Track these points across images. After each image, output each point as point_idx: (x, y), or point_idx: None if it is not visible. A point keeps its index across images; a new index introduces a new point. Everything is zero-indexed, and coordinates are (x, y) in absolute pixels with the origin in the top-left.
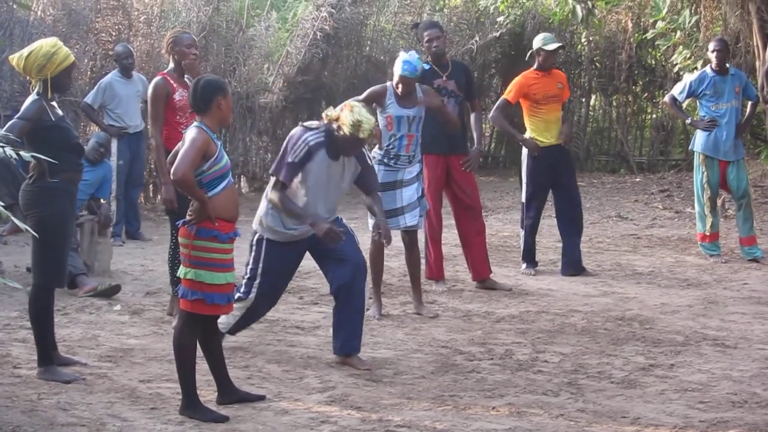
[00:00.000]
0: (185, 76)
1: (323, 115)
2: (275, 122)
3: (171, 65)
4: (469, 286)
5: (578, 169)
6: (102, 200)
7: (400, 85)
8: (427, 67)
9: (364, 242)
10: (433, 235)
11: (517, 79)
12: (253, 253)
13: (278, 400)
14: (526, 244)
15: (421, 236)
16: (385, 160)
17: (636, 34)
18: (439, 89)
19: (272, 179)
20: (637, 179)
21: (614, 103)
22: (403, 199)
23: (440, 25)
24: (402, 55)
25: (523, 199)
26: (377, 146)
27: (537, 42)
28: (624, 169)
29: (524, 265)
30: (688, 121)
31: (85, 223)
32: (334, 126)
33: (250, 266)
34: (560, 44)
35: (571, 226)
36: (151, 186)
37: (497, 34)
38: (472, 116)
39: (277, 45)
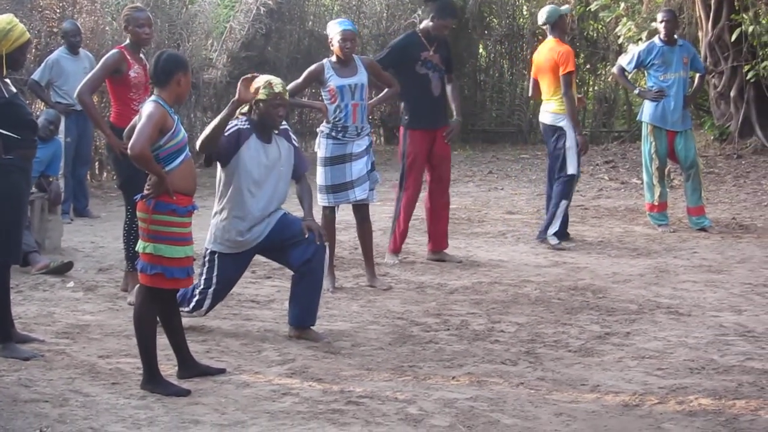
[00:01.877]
0: (141, 52)
1: (237, 114)
2: (219, 98)
3: (127, 41)
4: (421, 258)
5: (522, 142)
6: (52, 177)
7: (345, 44)
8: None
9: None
10: (408, 209)
11: (568, 50)
12: (206, 266)
13: (238, 373)
14: (567, 218)
15: (376, 209)
16: (333, 134)
17: (578, 7)
18: (425, 62)
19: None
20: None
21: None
22: (352, 172)
23: (458, 14)
24: (332, 21)
25: (572, 171)
26: (324, 121)
27: (555, 11)
28: None
29: (556, 241)
30: (636, 91)
31: (36, 201)
32: (252, 108)
33: (204, 277)
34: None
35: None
36: (97, 163)
37: None
38: (449, 88)
39: (221, 21)
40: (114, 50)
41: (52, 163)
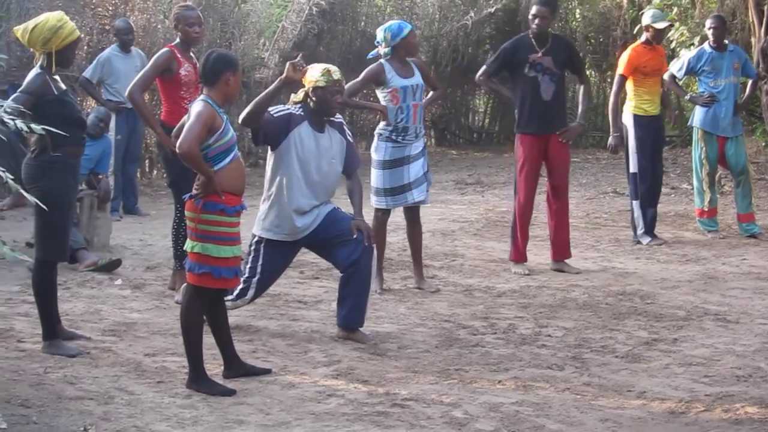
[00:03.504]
0: (191, 50)
1: (291, 101)
2: None
3: (177, 39)
4: (469, 261)
5: (573, 146)
6: (101, 175)
7: (410, 43)
8: None
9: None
10: (522, 216)
11: (628, 54)
12: (251, 254)
13: (284, 373)
14: (648, 216)
15: (425, 210)
16: (393, 136)
17: (630, 11)
18: (533, 65)
19: None
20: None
21: (608, 80)
22: (410, 174)
23: (554, 3)
24: (381, 27)
25: (633, 170)
26: (383, 122)
27: (646, 19)
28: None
29: (648, 239)
30: (687, 97)
31: (85, 198)
32: (309, 94)
33: (249, 265)
34: (669, 23)
35: (651, 196)
36: (147, 161)
37: (492, 10)
38: (581, 90)
39: (273, 20)
40: (164, 49)
41: (102, 161)
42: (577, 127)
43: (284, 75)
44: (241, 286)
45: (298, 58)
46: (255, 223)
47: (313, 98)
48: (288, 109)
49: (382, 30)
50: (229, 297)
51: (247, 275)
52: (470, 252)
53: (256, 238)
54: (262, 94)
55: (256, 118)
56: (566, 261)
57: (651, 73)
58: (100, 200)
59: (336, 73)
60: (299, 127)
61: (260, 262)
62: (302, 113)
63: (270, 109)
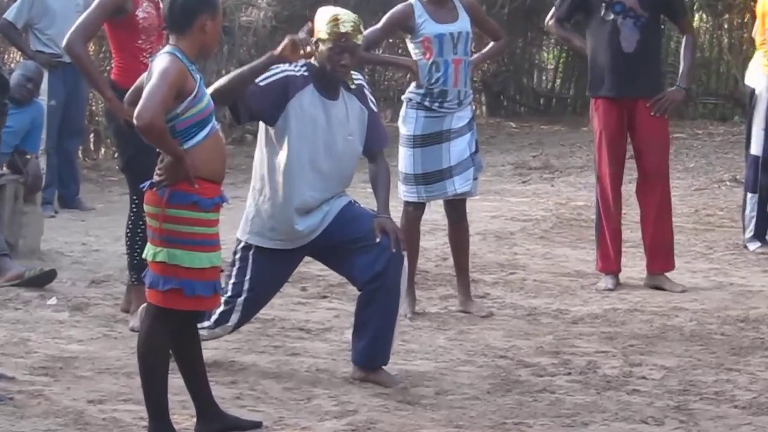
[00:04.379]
0: None
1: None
2: (261, 49)
3: None
4: (533, 275)
5: (676, 116)
6: (29, 155)
7: None
8: None
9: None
10: (607, 210)
11: None
12: (236, 266)
13: (280, 428)
14: (764, 215)
15: (475, 205)
16: (426, 103)
17: None
18: (610, 4)
19: None
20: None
21: (725, 26)
22: (451, 156)
23: None
24: None
25: (756, 151)
26: (413, 84)
27: None
28: (740, 116)
29: (756, 244)
30: None
31: (7, 186)
32: (315, 49)
33: (232, 281)
34: None
35: None
36: (92, 136)
37: None
38: (683, 41)
39: None
40: None
41: (30, 135)
42: (675, 93)
43: (277, 51)
44: (221, 309)
45: (303, 31)
46: (241, 223)
47: (316, 54)
48: (283, 69)
49: None
50: (206, 323)
51: (229, 294)
52: (535, 262)
53: (242, 245)
54: (244, 68)
55: (230, 97)
56: (667, 275)
57: None
58: (28, 189)
59: (346, 23)
60: (301, 93)
61: (248, 277)
62: (306, 73)
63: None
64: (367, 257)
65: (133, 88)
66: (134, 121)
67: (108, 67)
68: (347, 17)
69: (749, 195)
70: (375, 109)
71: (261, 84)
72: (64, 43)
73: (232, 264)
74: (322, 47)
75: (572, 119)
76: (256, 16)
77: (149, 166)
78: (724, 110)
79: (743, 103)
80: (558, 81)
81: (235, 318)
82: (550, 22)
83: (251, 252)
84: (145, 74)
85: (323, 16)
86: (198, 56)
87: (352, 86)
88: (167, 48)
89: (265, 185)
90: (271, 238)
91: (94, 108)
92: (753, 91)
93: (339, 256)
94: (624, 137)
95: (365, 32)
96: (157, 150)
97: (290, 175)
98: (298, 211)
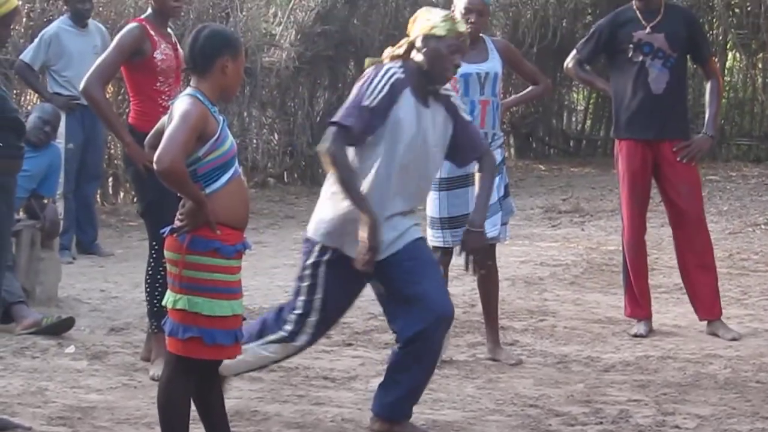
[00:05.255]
0: (168, 26)
1: (387, 55)
2: (284, 90)
3: (149, 11)
4: (563, 321)
5: (709, 158)
6: (46, 199)
7: (469, 16)
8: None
9: None
10: (633, 253)
11: None
12: (306, 282)
13: None
14: None
15: (504, 250)
16: None
17: None
18: (638, 45)
19: (329, 130)
20: None
21: (760, 65)
22: None
23: None
24: None
25: None
26: None
27: None
28: None
29: None
30: None
31: (24, 231)
32: (417, 46)
33: (302, 298)
34: None
35: None
36: (110, 180)
37: None
38: (708, 86)
39: None
40: (132, 24)
41: (48, 179)
42: (703, 141)
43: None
44: (290, 327)
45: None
46: (312, 224)
47: (423, 51)
48: (390, 75)
49: None
50: (270, 336)
51: (300, 311)
52: (566, 308)
53: (314, 254)
54: (346, 178)
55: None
56: (723, 320)
57: None
58: (46, 234)
59: (461, 24)
60: (401, 97)
61: (319, 294)
62: (403, 75)
63: (365, 90)
64: (411, 313)
65: (153, 131)
66: (154, 166)
67: (126, 110)
68: (459, 18)
69: None
70: (467, 118)
71: (371, 104)
72: (81, 86)
73: (300, 279)
74: (435, 44)
75: (603, 161)
76: (278, 57)
77: (169, 211)
78: (758, 151)
79: None
80: (588, 122)
81: (303, 339)
82: (570, 65)
83: (324, 261)
84: (165, 117)
85: (436, 14)
86: (219, 98)
87: (444, 92)
88: (188, 90)
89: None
90: (346, 243)
91: (112, 151)
92: None
93: (388, 293)
94: (649, 180)
95: None
96: (178, 194)
97: (380, 180)
98: (385, 220)
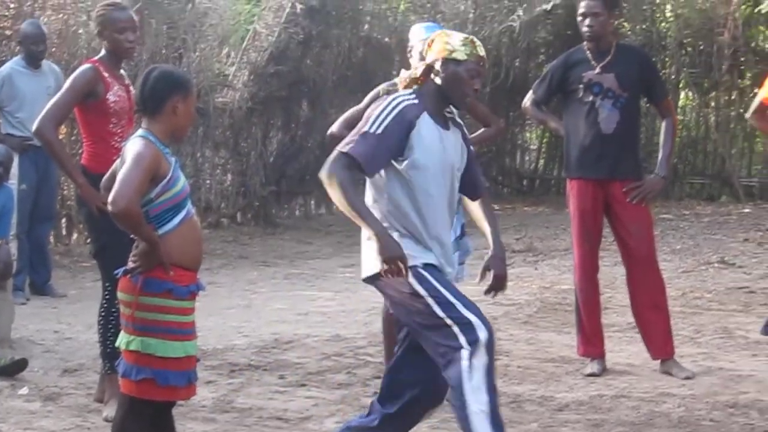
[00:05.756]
0: (122, 68)
1: (401, 79)
2: (237, 130)
3: (103, 51)
4: (517, 361)
5: (662, 196)
6: (0, 240)
7: None
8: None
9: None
10: (584, 293)
11: None
12: (423, 289)
13: None
14: None
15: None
16: None
17: (744, 7)
18: (589, 85)
19: (335, 154)
20: (747, 210)
21: (713, 104)
22: None
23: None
24: (418, 25)
25: None
26: None
27: None
28: (727, 196)
29: None
30: None
31: None
32: (436, 69)
33: (439, 309)
34: None
35: None
36: (63, 221)
37: (548, 7)
38: (662, 126)
39: (240, 22)
40: (86, 66)
41: (1, 220)
42: (655, 182)
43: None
44: (463, 338)
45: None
46: (363, 268)
47: (443, 76)
48: (398, 101)
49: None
50: (464, 343)
51: (453, 316)
52: (519, 348)
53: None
54: (353, 203)
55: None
56: (676, 359)
57: None
58: None
59: (481, 47)
60: (419, 120)
61: (441, 288)
62: (416, 100)
63: (371, 116)
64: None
65: (109, 173)
66: (109, 208)
67: (79, 151)
68: (478, 41)
69: None
70: (472, 148)
71: (376, 132)
72: (34, 127)
73: (413, 294)
74: (455, 68)
75: (556, 200)
76: (231, 98)
77: (123, 252)
78: (711, 190)
79: (730, 182)
80: (541, 161)
81: (483, 334)
82: (527, 104)
83: (417, 274)
84: (118, 160)
85: (455, 37)
86: (171, 139)
87: (457, 120)
88: (140, 132)
89: (400, 219)
90: (427, 254)
91: (65, 192)
92: None
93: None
94: (600, 219)
95: (345, 115)
96: (131, 236)
97: (424, 206)
98: (435, 239)
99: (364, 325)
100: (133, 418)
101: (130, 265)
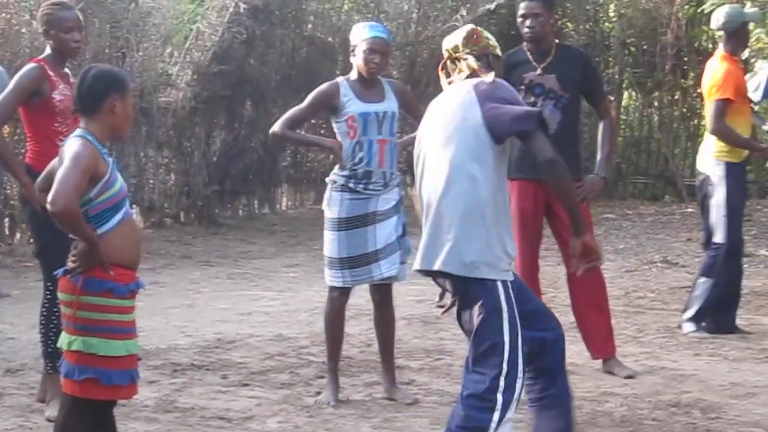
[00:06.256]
0: (67, 66)
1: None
2: (180, 130)
3: (48, 50)
4: (460, 360)
5: (605, 196)
6: None
7: (373, 57)
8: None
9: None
10: None
11: (726, 69)
12: (489, 322)
13: None
14: (714, 300)
15: (400, 289)
16: (351, 185)
17: (687, 7)
18: (531, 86)
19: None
20: (690, 209)
21: (656, 103)
22: (377, 239)
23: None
24: (360, 24)
25: (721, 240)
26: (337, 166)
27: (737, 15)
28: (670, 196)
29: (692, 328)
30: (766, 128)
31: None
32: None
33: (506, 356)
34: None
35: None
36: (7, 221)
37: (491, 6)
38: (600, 126)
39: (184, 22)
40: (31, 65)
41: None
42: (594, 182)
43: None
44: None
45: None
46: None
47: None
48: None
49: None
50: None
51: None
52: (462, 347)
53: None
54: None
55: None
56: (618, 358)
57: (744, 97)
58: None
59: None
60: None
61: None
62: None
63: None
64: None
65: (44, 174)
66: (48, 208)
67: (23, 151)
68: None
69: (702, 278)
70: None
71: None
72: None
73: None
74: (497, 63)
75: None
76: (175, 97)
77: (64, 253)
78: (654, 189)
79: (674, 182)
80: None
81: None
82: None
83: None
84: (55, 159)
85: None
86: (110, 138)
87: None
88: (78, 132)
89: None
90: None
91: (8, 191)
92: (707, 177)
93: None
94: (540, 219)
95: (288, 112)
96: (71, 236)
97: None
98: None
99: (307, 324)
100: (76, 418)
101: (70, 265)
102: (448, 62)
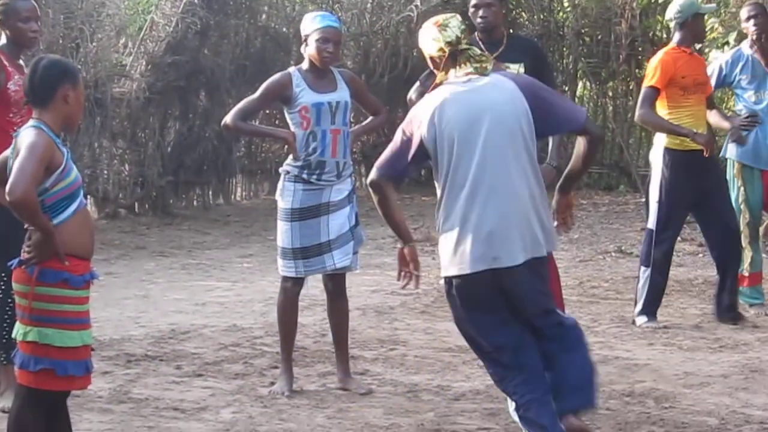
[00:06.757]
0: (22, 57)
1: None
2: (135, 121)
3: (3, 40)
4: (414, 351)
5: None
6: None
7: (326, 46)
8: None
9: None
10: None
11: (660, 58)
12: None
13: None
14: (654, 288)
15: (354, 280)
16: (304, 175)
17: None
18: None
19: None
20: (644, 199)
21: (610, 93)
22: (330, 230)
23: None
24: (311, 14)
25: (651, 225)
26: (291, 156)
27: (688, 7)
28: (624, 186)
29: (644, 319)
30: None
31: None
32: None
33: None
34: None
35: (729, 259)
36: None
37: None
38: None
39: (138, 13)
40: None
41: None
42: (546, 171)
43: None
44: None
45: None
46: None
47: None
48: None
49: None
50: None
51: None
52: (416, 338)
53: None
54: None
55: None
56: None
57: (693, 88)
58: None
59: (453, 27)
60: None
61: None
62: None
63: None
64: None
65: None
66: (6, 197)
67: None
68: (453, 20)
69: (642, 268)
70: None
71: None
72: None
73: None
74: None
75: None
76: (129, 88)
77: (18, 243)
78: (609, 179)
79: (628, 172)
80: None
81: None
82: (413, 97)
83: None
84: (7, 150)
85: (430, 33)
86: (63, 128)
87: None
88: (31, 122)
89: None
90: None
91: None
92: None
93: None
94: None
95: (241, 103)
96: (26, 227)
97: None
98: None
99: (261, 315)
100: (30, 409)
101: (25, 255)
102: (449, 58)
